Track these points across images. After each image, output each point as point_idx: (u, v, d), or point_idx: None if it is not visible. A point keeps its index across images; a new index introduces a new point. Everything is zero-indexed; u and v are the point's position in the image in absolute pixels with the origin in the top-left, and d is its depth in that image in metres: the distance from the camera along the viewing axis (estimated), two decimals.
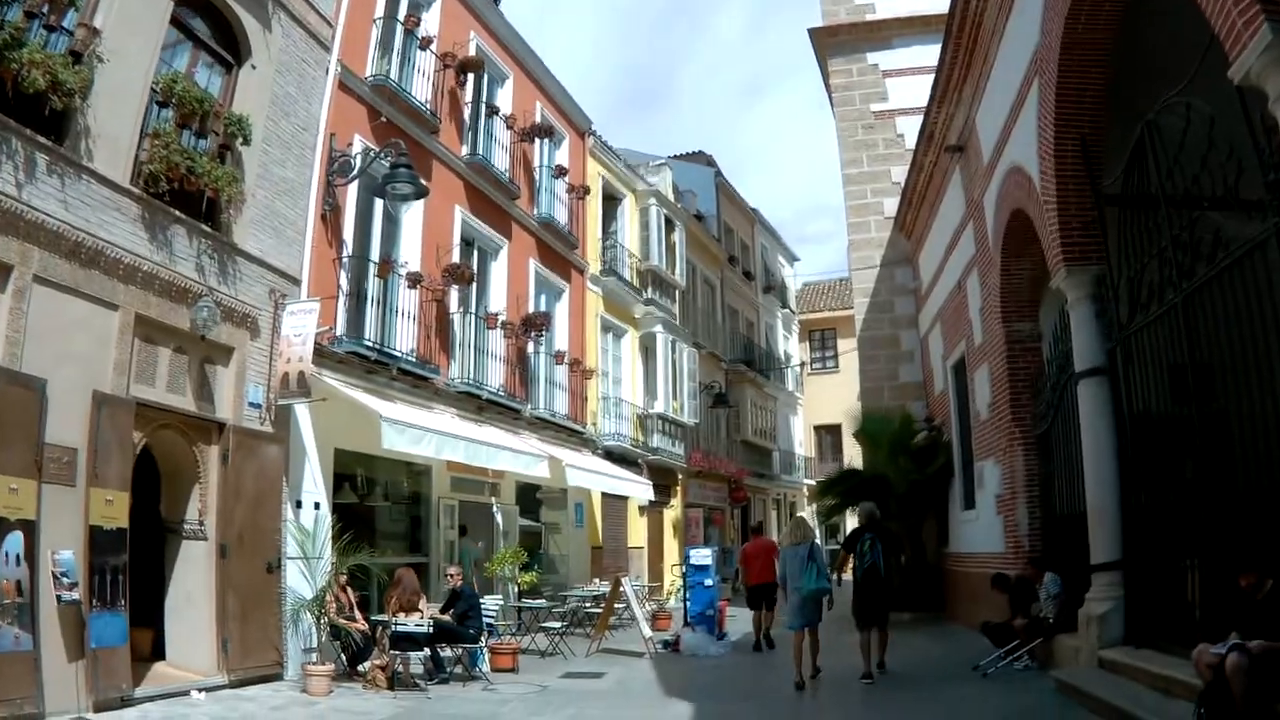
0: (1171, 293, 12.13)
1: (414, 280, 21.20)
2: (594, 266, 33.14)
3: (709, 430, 44.14)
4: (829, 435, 61.66)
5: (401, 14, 22.59)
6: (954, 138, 23.14)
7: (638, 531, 35.97)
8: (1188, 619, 11.92)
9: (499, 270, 26.59)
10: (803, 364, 62.25)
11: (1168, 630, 12.50)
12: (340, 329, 19.47)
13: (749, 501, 49.05)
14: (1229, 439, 10.99)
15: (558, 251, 30.12)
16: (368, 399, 18.69)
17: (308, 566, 17.20)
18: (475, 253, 25.72)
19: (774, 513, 54.94)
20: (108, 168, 14.03)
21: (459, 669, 17.92)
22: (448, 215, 23.94)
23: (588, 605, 25.41)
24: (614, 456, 32.01)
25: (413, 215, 22.17)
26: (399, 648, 16.73)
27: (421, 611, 17.29)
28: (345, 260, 19.99)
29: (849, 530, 22.59)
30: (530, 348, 27.38)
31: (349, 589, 17.34)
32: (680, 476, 39.92)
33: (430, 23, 23.75)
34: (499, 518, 25.55)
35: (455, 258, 23.56)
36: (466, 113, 25.57)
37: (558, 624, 22.32)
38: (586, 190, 32.18)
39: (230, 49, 17.34)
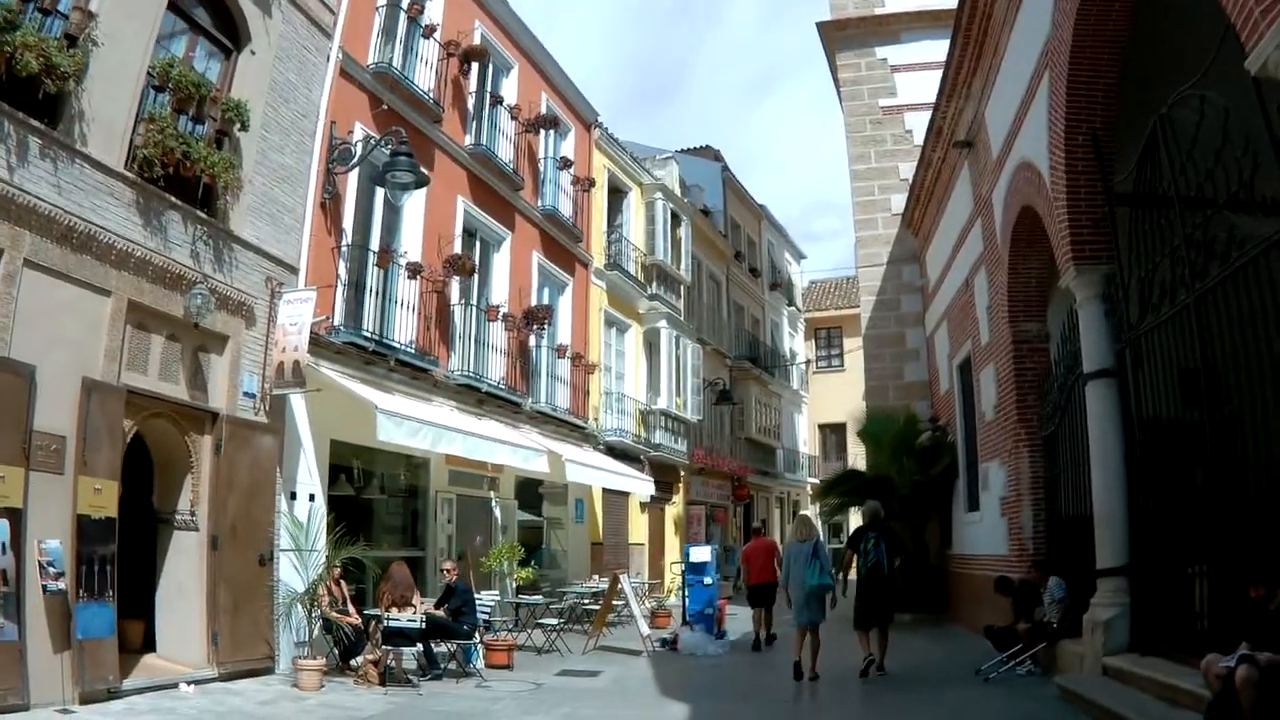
0: (1184, 293, 11.85)
1: (414, 270, 21.03)
2: (598, 260, 32.95)
3: (712, 427, 43.99)
4: (833, 434, 61.65)
5: (405, 1, 22.27)
6: (963, 133, 22.93)
7: (639, 528, 35.84)
8: (1195, 628, 11.71)
9: (501, 262, 26.41)
10: (808, 362, 62.09)
11: (1174, 638, 12.26)
12: (338, 319, 19.27)
13: (752, 499, 48.99)
14: (1241, 444, 10.71)
15: (561, 244, 29.91)
16: (364, 390, 18.50)
17: (300, 559, 17.00)
18: (477, 244, 25.55)
19: (777, 511, 54.90)
20: (102, 152, 13.88)
21: (453, 665, 17.67)
22: (450, 205, 23.74)
23: (586, 602, 25.25)
24: (616, 452, 31.83)
25: (414, 205, 21.90)
26: (391, 643, 16.57)
27: (414, 606, 17.11)
28: (344, 249, 19.79)
29: (853, 529, 22.32)
30: (532, 341, 27.21)
31: (342, 582, 17.12)
32: (682, 473, 39.81)
33: (434, 10, 23.49)
34: (497, 512, 25.36)
35: (457, 248, 23.35)
36: (470, 102, 25.37)
37: (555, 621, 22.10)
38: (591, 183, 32.00)
39: (229, 34, 17.15)
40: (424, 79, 22.72)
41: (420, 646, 17.14)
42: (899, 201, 32.01)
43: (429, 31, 22.92)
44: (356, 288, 20.11)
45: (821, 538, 18.80)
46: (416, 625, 16.64)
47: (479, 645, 18.26)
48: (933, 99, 24.75)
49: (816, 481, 47.81)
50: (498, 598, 21.65)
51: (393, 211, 21.64)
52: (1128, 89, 14.17)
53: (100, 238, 13.70)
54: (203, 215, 15.90)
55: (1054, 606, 16.16)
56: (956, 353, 26.15)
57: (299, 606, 16.59)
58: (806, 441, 61.30)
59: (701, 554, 25.01)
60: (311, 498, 18.11)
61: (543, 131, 29.08)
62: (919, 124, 29.70)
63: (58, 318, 13.12)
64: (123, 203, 14.27)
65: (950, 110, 23.59)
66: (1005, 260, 19.41)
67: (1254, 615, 9.29)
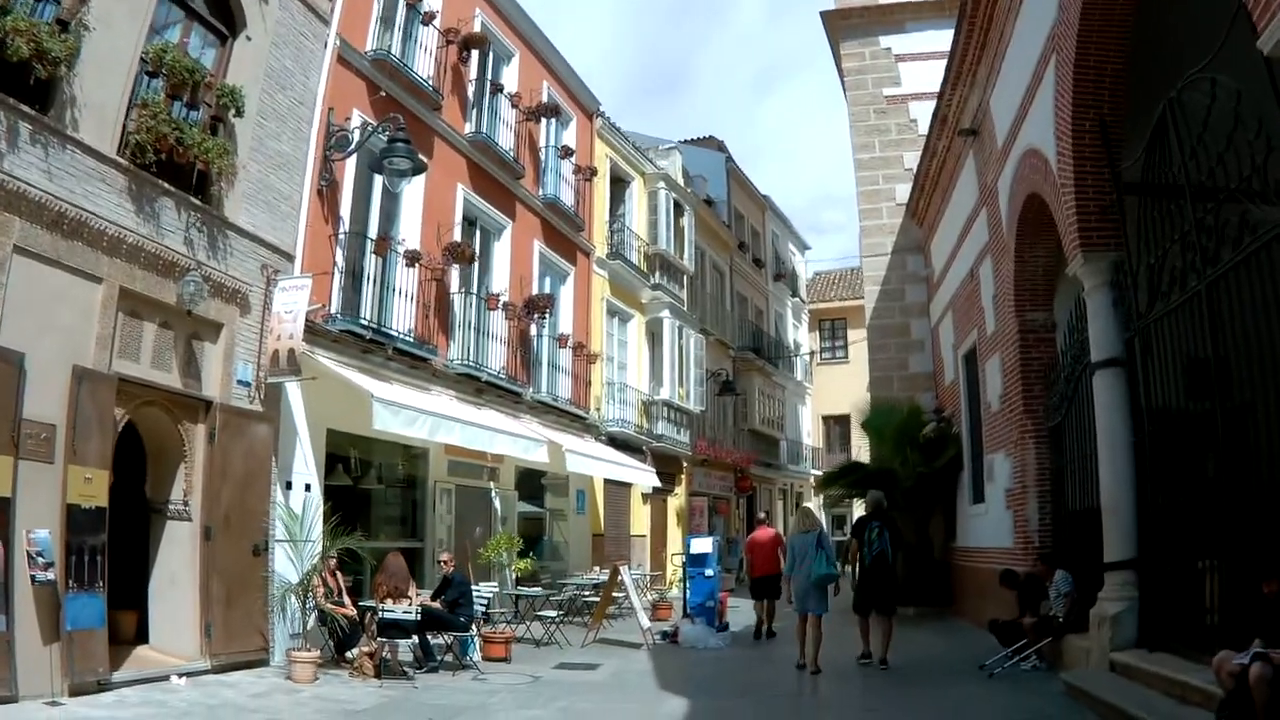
0: (1194, 279, 11.59)
1: (412, 258, 20.87)
2: (600, 249, 32.78)
3: (715, 418, 43.80)
4: (837, 426, 61.36)
5: None
6: (968, 121, 22.76)
7: (640, 519, 35.68)
8: (1204, 623, 11.50)
9: (502, 251, 26.25)
10: (812, 353, 61.90)
11: (1183, 634, 12.05)
12: (336, 307, 19.11)
13: (755, 491, 48.95)
14: (1254, 434, 10.46)
15: (563, 233, 29.74)
16: (361, 379, 18.34)
17: (295, 550, 16.82)
18: (478, 232, 25.41)
19: (780, 503, 54.81)
20: (94, 138, 13.75)
21: (449, 657, 17.51)
22: (449, 193, 23.59)
23: (586, 594, 25.11)
24: (618, 443, 31.67)
25: (413, 193, 21.74)
26: (386, 635, 16.38)
27: (410, 598, 16.99)
28: (341, 237, 19.62)
29: (855, 520, 22.26)
30: (533, 330, 27.06)
31: (338, 573, 16.97)
32: (685, 464, 39.65)
33: None
34: (497, 503, 25.14)
35: (457, 237, 23.18)
36: (470, 90, 25.21)
37: (554, 613, 21.93)
38: (593, 171, 31.80)
39: (225, 20, 16.98)
40: (423, 66, 22.58)
41: (416, 639, 16.96)
42: (903, 191, 31.88)
43: (428, 18, 22.78)
44: (354, 275, 19.94)
45: (825, 528, 18.95)
46: (412, 617, 16.47)
47: (476, 637, 18.14)
48: (937, 88, 24.62)
49: (820, 473, 47.64)
50: (496, 589, 21.50)
51: (391, 199, 21.47)
52: (1134, 80, 14.00)
53: (91, 224, 13.56)
54: (196, 202, 15.74)
55: (1060, 601, 15.97)
56: (962, 343, 26.00)
57: (293, 598, 16.36)
58: (810, 433, 61.09)
59: (703, 546, 24.86)
60: (307, 488, 17.94)
61: (544, 120, 28.90)
62: (923, 113, 29.54)
63: (48, 305, 12.99)
64: (115, 189, 14.12)
65: (955, 98, 23.41)
66: (1011, 249, 19.20)
67: (1267, 611, 9.05)
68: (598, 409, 31.27)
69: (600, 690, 15.72)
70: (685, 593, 24.70)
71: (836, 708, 15.13)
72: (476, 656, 17.81)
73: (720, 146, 50.22)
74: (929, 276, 31.55)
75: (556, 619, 21.51)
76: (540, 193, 28.38)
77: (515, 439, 22.05)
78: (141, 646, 15.44)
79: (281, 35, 18.03)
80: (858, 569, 18.34)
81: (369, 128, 19.71)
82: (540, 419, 26.35)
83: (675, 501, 39.37)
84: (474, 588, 19.15)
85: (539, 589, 23.64)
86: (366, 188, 20.83)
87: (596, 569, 27.88)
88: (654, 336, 36.64)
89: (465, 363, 23.20)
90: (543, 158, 29.06)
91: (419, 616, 16.57)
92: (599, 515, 31.79)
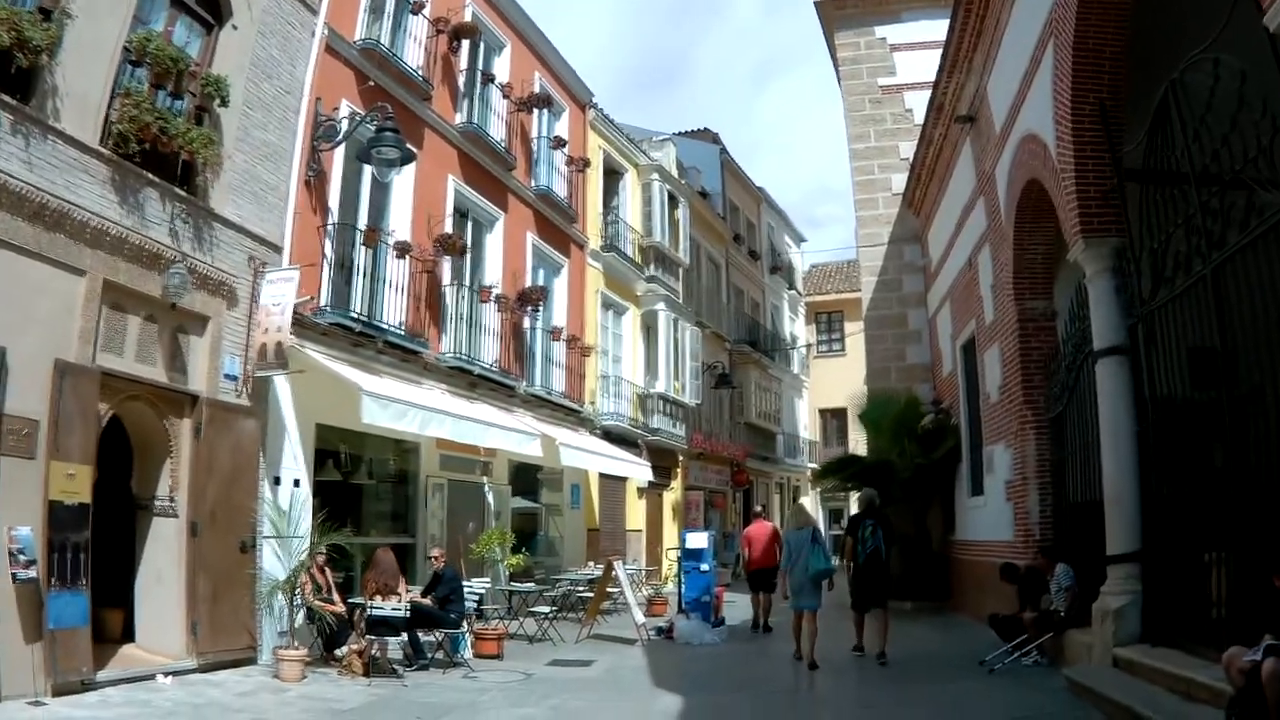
0: (1200, 264, 11.36)
1: (402, 250, 20.60)
2: (594, 241, 32.60)
3: (711, 411, 43.69)
4: (834, 419, 61.53)
5: None
6: (964, 108, 22.57)
7: (636, 514, 35.58)
8: (1211, 617, 11.28)
9: (494, 243, 26.09)
10: (808, 346, 61.93)
11: (1188, 629, 11.82)
12: (325, 300, 18.87)
13: (751, 485, 48.86)
14: (1264, 422, 10.18)
15: (556, 225, 29.58)
16: (350, 372, 18.08)
17: (282, 546, 16.58)
18: (470, 224, 25.20)
19: (776, 497, 54.76)
20: (76, 128, 13.54)
21: (440, 655, 17.32)
22: (440, 184, 23.38)
23: (580, 589, 24.89)
24: (612, 437, 31.50)
25: (403, 184, 21.59)
26: (375, 632, 16.23)
27: (399, 595, 16.81)
28: (330, 228, 19.38)
29: (849, 517, 22.24)
30: (526, 323, 26.88)
31: (327, 570, 16.72)
32: (681, 458, 39.55)
33: None
34: (490, 498, 24.96)
35: (448, 228, 22.93)
36: (461, 80, 25.03)
37: (547, 608, 21.66)
38: (586, 163, 31.62)
39: (210, 9, 16.73)
40: (413, 56, 22.42)
41: (406, 636, 16.79)
42: (899, 181, 31.79)
43: (417, 8, 22.54)
44: (344, 268, 19.75)
45: (819, 525, 19.32)
46: (401, 614, 16.30)
47: (467, 634, 17.94)
48: (932, 78, 24.58)
49: (816, 467, 47.61)
50: (489, 585, 21.32)
51: (381, 191, 21.30)
52: (1134, 62, 13.82)
53: (74, 215, 13.36)
54: (181, 193, 15.52)
55: (1061, 595, 15.80)
56: (960, 333, 25.84)
57: (280, 595, 16.13)
58: (807, 426, 61.18)
59: (698, 540, 24.68)
60: (296, 483, 17.71)
61: (536, 111, 28.70)
62: (919, 103, 29.49)
63: (29, 298, 12.79)
64: (97, 180, 13.91)
65: (951, 85, 23.28)
66: (1010, 236, 19.01)
67: (1278, 605, 8.77)
68: (592, 402, 31.09)
69: (594, 687, 15.50)
70: (681, 588, 24.56)
71: (833, 703, 15.02)
72: (468, 654, 17.60)
73: (715, 139, 50.11)
74: (926, 266, 31.46)
75: (550, 615, 21.24)
76: (533, 184, 28.17)
77: (508, 433, 21.81)
78: (128, 645, 15.24)
79: (268, 24, 17.81)
80: (852, 567, 18.34)
81: (357, 118, 19.45)
82: (534, 413, 26.11)
83: (671, 496, 39.24)
84: (466, 584, 18.98)
85: (532, 585, 23.47)
86: (356, 179, 20.61)
87: (591, 564, 27.76)
88: (649, 329, 36.53)
89: (457, 356, 22.96)
90: (535, 149, 28.86)
91: (408, 613, 16.40)
92: (594, 510, 31.65)
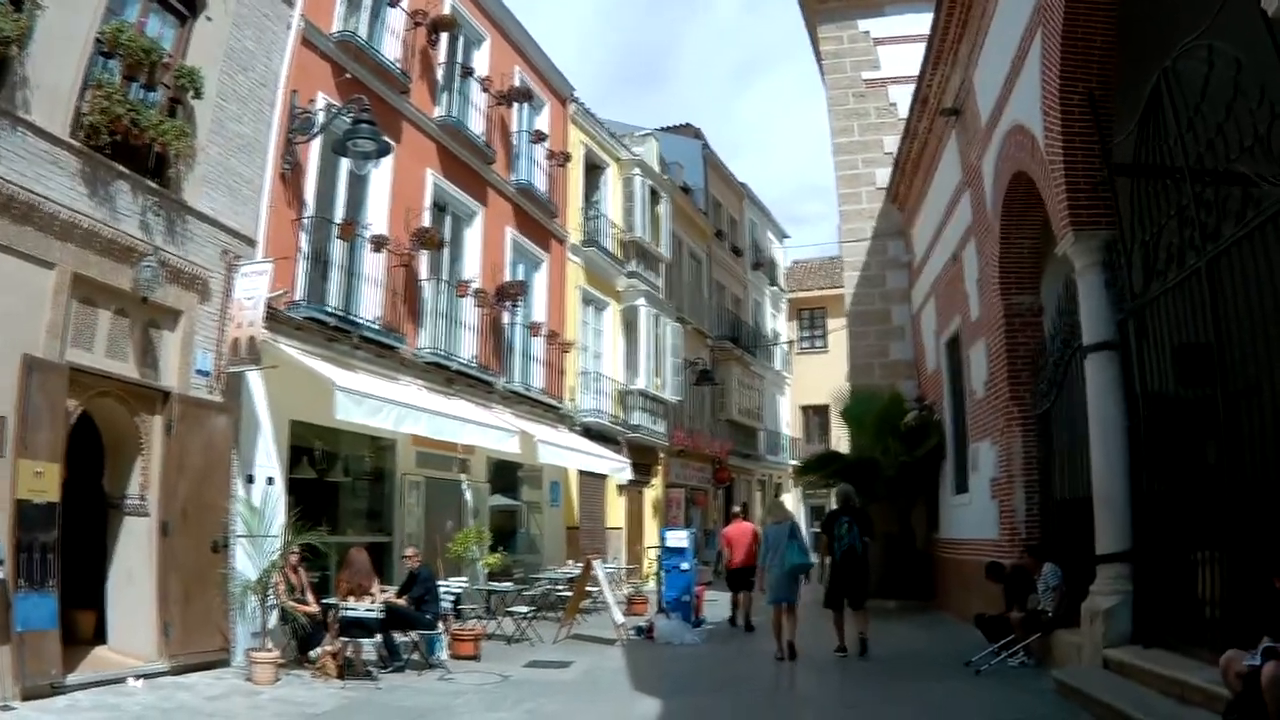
0: (1193, 257, 11.12)
1: (378, 243, 20.41)
2: (575, 236, 32.48)
3: (693, 408, 43.66)
4: (816, 416, 61.52)
5: None
6: (950, 101, 22.36)
7: (616, 512, 35.48)
8: (1203, 618, 11.06)
9: (473, 237, 25.86)
10: (791, 343, 61.92)
11: (1181, 630, 11.61)
12: (300, 294, 18.65)
13: (733, 482, 48.66)
14: (1260, 419, 9.94)
15: (536, 220, 29.39)
16: (323, 367, 17.82)
17: (254, 545, 16.27)
18: (448, 219, 24.99)
19: (758, 494, 54.62)
20: (46, 119, 13.26)
21: (416, 656, 17.02)
22: (418, 178, 23.15)
23: (559, 588, 24.64)
24: (593, 433, 31.37)
25: (380, 178, 21.37)
26: (349, 634, 15.86)
27: (373, 595, 16.52)
28: (306, 221, 19.15)
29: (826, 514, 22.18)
30: (505, 318, 26.67)
31: (300, 569, 16.40)
32: (662, 455, 39.46)
33: None
34: (468, 496, 24.72)
35: (426, 222, 22.74)
36: (440, 74, 24.82)
37: (526, 608, 21.47)
38: (567, 157, 31.39)
39: (184, 0, 16.41)
40: (390, 49, 22.26)
41: (380, 637, 16.50)
42: (883, 175, 31.61)
43: (395, 0, 22.28)
44: (319, 261, 19.52)
45: (797, 521, 19.50)
46: (374, 615, 16.00)
47: (443, 635, 17.65)
48: (916, 72, 24.42)
49: (798, 463, 47.55)
50: (466, 584, 20.99)
51: (358, 184, 21.10)
52: (1124, 52, 13.64)
53: (43, 208, 13.06)
54: (153, 185, 15.24)
55: (1049, 594, 15.61)
56: (944, 329, 25.71)
57: (252, 596, 15.84)
58: (789, 423, 61.15)
59: (679, 538, 24.42)
60: (270, 481, 17.37)
61: (516, 105, 28.59)
62: (903, 97, 29.41)
63: None
64: (68, 172, 13.63)
65: (936, 78, 23.08)
66: (996, 230, 18.85)
67: (1278, 607, 8.52)
68: (572, 399, 30.98)
69: (571, 690, 15.25)
70: (661, 586, 24.36)
71: (816, 705, 14.86)
72: (444, 655, 17.31)
73: (697, 134, 50.02)
74: (910, 262, 31.35)
75: (529, 615, 21.06)
76: (513, 178, 28.00)
77: (485, 429, 21.60)
78: (100, 647, 14.97)
79: (243, 16, 17.56)
80: (829, 563, 18.36)
81: (333, 110, 19.22)
82: (512, 409, 25.90)
83: (652, 493, 39.16)
84: (443, 583, 18.77)
85: (510, 584, 23.27)
86: (332, 172, 20.42)
87: (571, 562, 27.51)
88: (630, 325, 36.36)
89: (435, 351, 22.79)
90: (515, 143, 28.69)
91: (382, 614, 16.12)
92: (574, 508, 31.48)
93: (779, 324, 60.64)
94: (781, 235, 63.18)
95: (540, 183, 29.52)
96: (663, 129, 47.44)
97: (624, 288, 35.95)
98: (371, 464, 22.20)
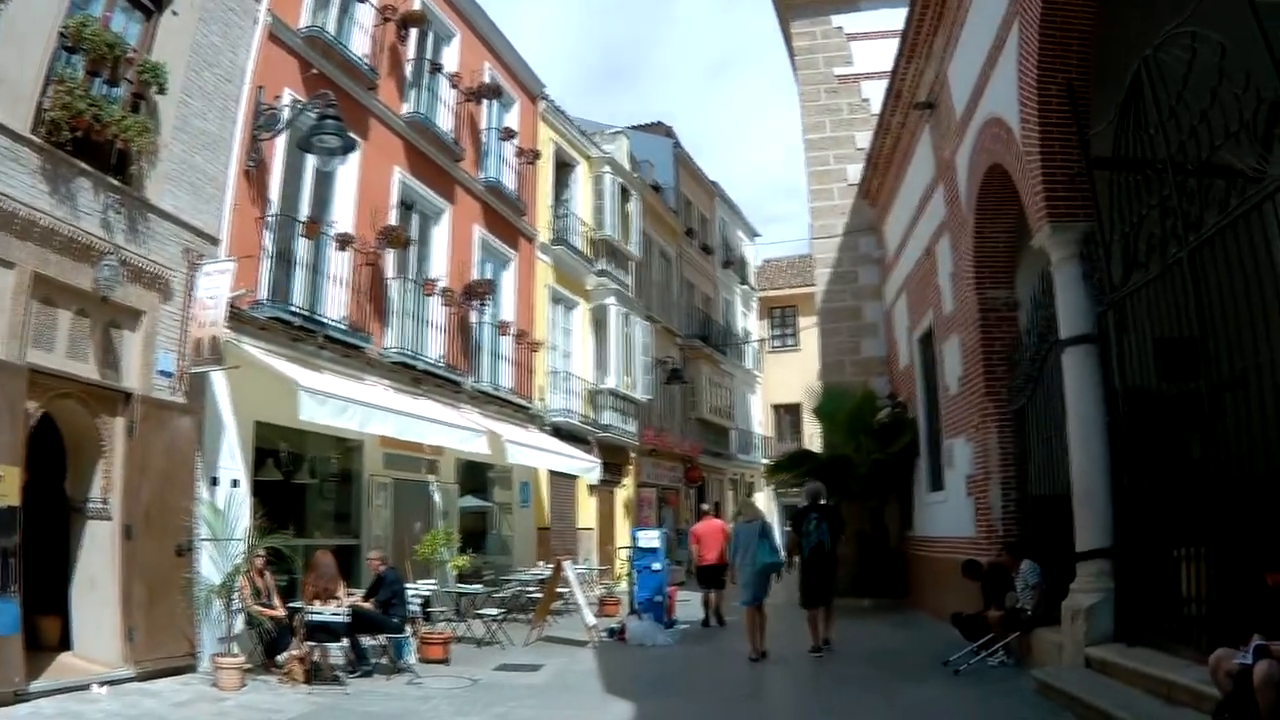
0: (1175, 246, 10.97)
1: (343, 241, 20.14)
2: (544, 235, 32.25)
3: (663, 407, 43.46)
4: (788, 415, 61.45)
5: None
6: (924, 94, 22.29)
7: (587, 512, 35.29)
8: (1186, 615, 10.94)
9: (441, 236, 25.61)
10: (762, 341, 61.78)
11: (1165, 627, 11.48)
12: (264, 293, 18.38)
13: (704, 481, 48.62)
14: (1246, 412, 9.77)
15: (505, 218, 29.15)
16: (287, 367, 17.56)
17: (218, 549, 16.02)
18: (416, 217, 24.77)
19: (730, 493, 54.45)
20: (7, 115, 13.06)
21: (384, 660, 16.85)
22: (385, 175, 22.89)
23: (530, 590, 24.46)
24: (563, 433, 31.13)
25: (347, 175, 21.13)
26: (315, 638, 15.61)
27: (339, 598, 16.27)
28: (270, 219, 18.87)
29: (795, 512, 22.17)
30: (473, 317, 26.42)
31: (266, 573, 16.11)
32: (633, 455, 39.29)
33: None
34: (437, 497, 24.49)
35: (393, 220, 22.49)
36: (408, 70, 24.60)
37: (496, 611, 21.22)
38: (536, 155, 31.15)
39: None
40: (359, 44, 22.01)
41: (347, 641, 16.29)
42: (855, 172, 31.48)
43: None
44: (284, 260, 19.26)
45: (767, 520, 19.33)
46: (340, 619, 15.79)
47: (412, 638, 17.39)
48: (890, 67, 24.23)
49: (771, 462, 47.48)
50: (436, 586, 20.88)
51: (325, 182, 20.84)
52: (1102, 41, 13.50)
53: (3, 205, 12.83)
54: (115, 182, 14.96)
55: (1027, 592, 15.46)
56: (917, 325, 25.61)
57: (216, 600, 15.59)
58: (761, 422, 61.09)
59: (650, 538, 24.33)
60: (235, 483, 17.13)
61: (485, 102, 28.32)
62: (876, 93, 29.10)
63: None
64: (28, 169, 13.38)
65: (911, 71, 22.95)
66: (971, 224, 18.73)
67: (1270, 604, 8.33)
68: (541, 398, 30.76)
69: (541, 694, 15.06)
70: (632, 587, 24.24)
71: (792, 709, 14.57)
72: (413, 659, 17.02)
73: (668, 132, 49.94)
74: (882, 258, 31.27)
75: (499, 617, 20.83)
76: (481, 176, 27.77)
77: (452, 430, 21.36)
78: (65, 654, 14.68)
79: (210, 10, 17.34)
80: (798, 561, 18.56)
81: (298, 106, 18.97)
82: (481, 409, 25.66)
83: (623, 493, 39.02)
84: (412, 586, 18.62)
85: (480, 586, 23.07)
86: (298, 170, 20.17)
87: (541, 564, 27.26)
88: (599, 324, 36.18)
89: (401, 351, 22.56)
90: (484, 140, 28.46)
91: (348, 618, 15.92)
92: (544, 508, 31.26)
93: (750, 322, 60.55)
94: (752, 234, 63.13)
95: (509, 180, 29.32)
96: (634, 127, 47.32)
97: (593, 286, 35.78)
98: (338, 465, 21.96)
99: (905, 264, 26.90)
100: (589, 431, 33.77)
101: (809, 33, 33.66)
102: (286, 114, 18.84)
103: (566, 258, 33.44)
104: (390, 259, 22.56)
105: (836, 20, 33.29)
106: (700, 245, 51.47)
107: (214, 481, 16.75)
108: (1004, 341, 18.50)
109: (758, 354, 60.86)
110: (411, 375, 22.81)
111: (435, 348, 24.10)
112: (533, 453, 26.16)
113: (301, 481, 20.82)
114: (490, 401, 26.67)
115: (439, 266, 25.15)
